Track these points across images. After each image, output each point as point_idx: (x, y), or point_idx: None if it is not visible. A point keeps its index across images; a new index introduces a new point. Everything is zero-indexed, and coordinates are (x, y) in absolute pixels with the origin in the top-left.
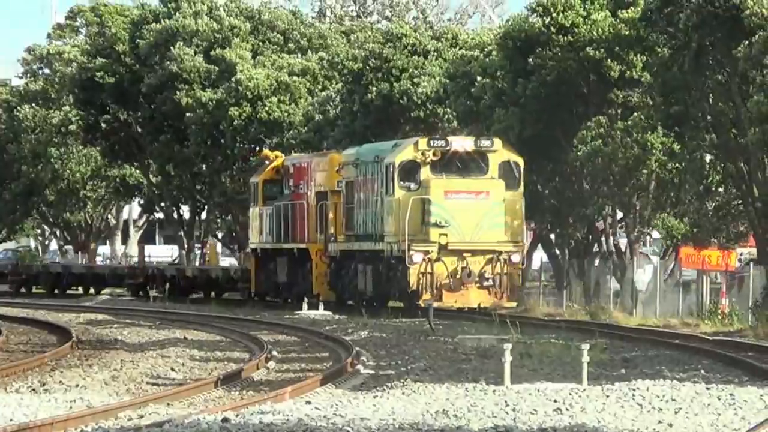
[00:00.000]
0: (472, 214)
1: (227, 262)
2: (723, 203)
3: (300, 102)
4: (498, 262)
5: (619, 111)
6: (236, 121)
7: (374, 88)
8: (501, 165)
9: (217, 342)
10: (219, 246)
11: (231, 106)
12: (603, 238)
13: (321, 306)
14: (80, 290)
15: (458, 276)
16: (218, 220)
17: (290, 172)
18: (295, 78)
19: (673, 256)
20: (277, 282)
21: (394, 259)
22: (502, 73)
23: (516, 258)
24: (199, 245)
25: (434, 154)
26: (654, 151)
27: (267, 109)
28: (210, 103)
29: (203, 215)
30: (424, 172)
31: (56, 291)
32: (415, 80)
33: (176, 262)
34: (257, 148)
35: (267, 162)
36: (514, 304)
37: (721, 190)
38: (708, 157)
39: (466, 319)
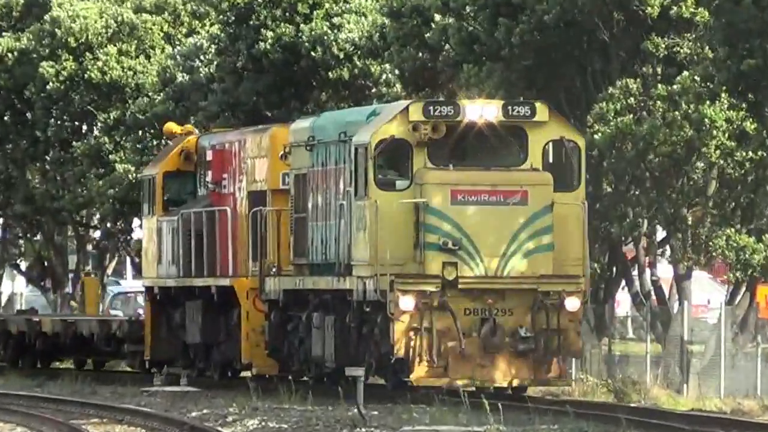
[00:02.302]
0: (498, 230)
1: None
2: None
3: (153, 54)
4: (543, 310)
5: (659, 69)
6: (51, 83)
7: (270, 33)
8: (548, 148)
9: None
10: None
11: (43, 60)
12: (635, 271)
13: (184, 379)
14: None
15: (476, 334)
16: (20, 241)
17: (207, 158)
18: (145, 17)
19: (746, 299)
20: (186, 343)
21: (369, 305)
22: (474, 8)
23: (573, 303)
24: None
25: (435, 130)
26: (716, 132)
27: (101, 64)
28: (9, 54)
29: None
30: (419, 159)
31: None
32: (335, 20)
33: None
34: (84, 127)
35: (171, 143)
36: (570, 382)
37: None
38: None
39: (417, 400)
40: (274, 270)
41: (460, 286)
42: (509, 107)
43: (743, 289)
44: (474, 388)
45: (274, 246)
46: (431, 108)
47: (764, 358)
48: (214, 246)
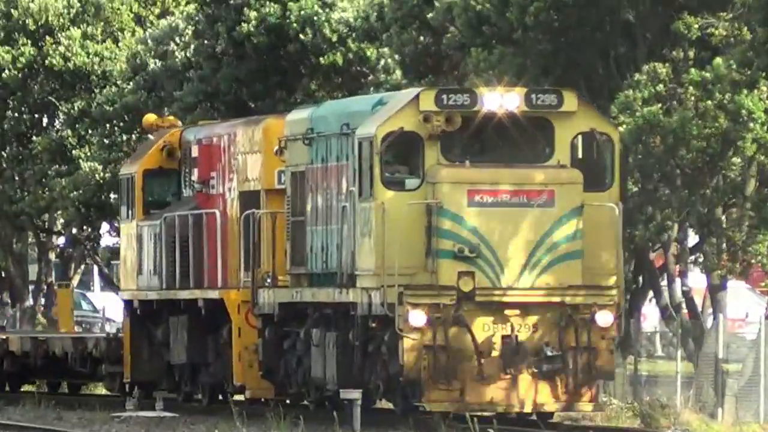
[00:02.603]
0: (520, 235)
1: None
2: None
3: (122, 38)
4: (572, 326)
5: (691, 53)
6: (7, 71)
7: (253, 14)
8: (577, 142)
9: None
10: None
11: None
12: (664, 281)
13: (159, 403)
14: None
15: (496, 353)
16: None
17: (193, 154)
18: None
19: None
20: (170, 363)
21: (376, 320)
22: None
23: (605, 318)
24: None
25: (449, 121)
26: (754, 123)
27: (63, 49)
28: None
29: None
30: (431, 155)
31: None
32: None
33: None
34: (45, 120)
35: (151, 137)
36: (603, 407)
37: None
38: None
39: (420, 426)
40: (269, 281)
41: (477, 299)
42: (533, 95)
43: None
44: (494, 414)
45: (268, 253)
46: (445, 96)
47: None
48: (202, 254)
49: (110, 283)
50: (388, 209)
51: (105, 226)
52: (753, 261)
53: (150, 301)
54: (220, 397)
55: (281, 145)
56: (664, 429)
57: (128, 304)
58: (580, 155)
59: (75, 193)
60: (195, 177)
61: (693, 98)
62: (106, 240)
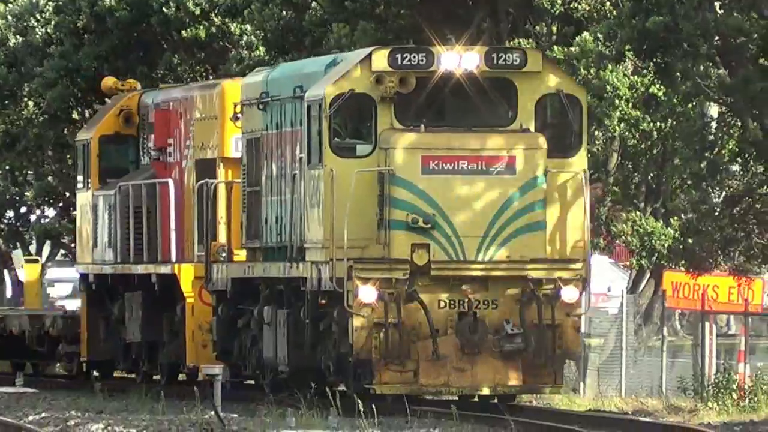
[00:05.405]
0: (479, 205)
1: None
2: (741, 192)
3: None
4: (534, 302)
5: (555, 28)
6: None
7: None
8: (542, 104)
9: None
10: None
11: None
12: None
13: (20, 379)
14: None
15: (452, 331)
16: None
17: (150, 120)
18: None
19: (650, 287)
20: (126, 341)
21: (325, 296)
22: None
23: (570, 293)
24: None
25: (403, 82)
26: (618, 99)
27: None
28: None
29: None
30: (384, 119)
31: None
32: None
33: None
34: None
35: (109, 101)
36: (566, 389)
37: (737, 168)
38: (715, 110)
39: (284, 402)
40: (224, 255)
41: (432, 273)
42: (494, 54)
43: (648, 275)
44: (456, 397)
45: (222, 225)
46: (399, 56)
47: (670, 352)
48: (156, 226)
49: None
50: (337, 177)
51: None
52: (618, 241)
53: (105, 275)
54: (181, 377)
55: (236, 110)
56: (526, 404)
57: (84, 277)
58: (545, 118)
59: None
60: (152, 144)
61: None
62: None
